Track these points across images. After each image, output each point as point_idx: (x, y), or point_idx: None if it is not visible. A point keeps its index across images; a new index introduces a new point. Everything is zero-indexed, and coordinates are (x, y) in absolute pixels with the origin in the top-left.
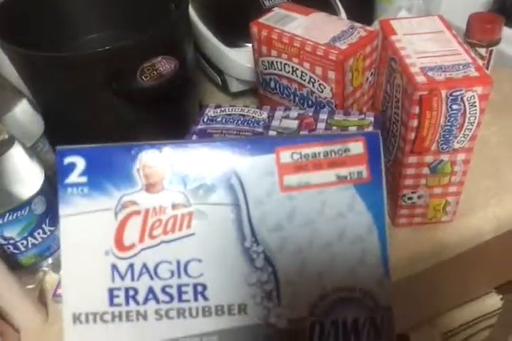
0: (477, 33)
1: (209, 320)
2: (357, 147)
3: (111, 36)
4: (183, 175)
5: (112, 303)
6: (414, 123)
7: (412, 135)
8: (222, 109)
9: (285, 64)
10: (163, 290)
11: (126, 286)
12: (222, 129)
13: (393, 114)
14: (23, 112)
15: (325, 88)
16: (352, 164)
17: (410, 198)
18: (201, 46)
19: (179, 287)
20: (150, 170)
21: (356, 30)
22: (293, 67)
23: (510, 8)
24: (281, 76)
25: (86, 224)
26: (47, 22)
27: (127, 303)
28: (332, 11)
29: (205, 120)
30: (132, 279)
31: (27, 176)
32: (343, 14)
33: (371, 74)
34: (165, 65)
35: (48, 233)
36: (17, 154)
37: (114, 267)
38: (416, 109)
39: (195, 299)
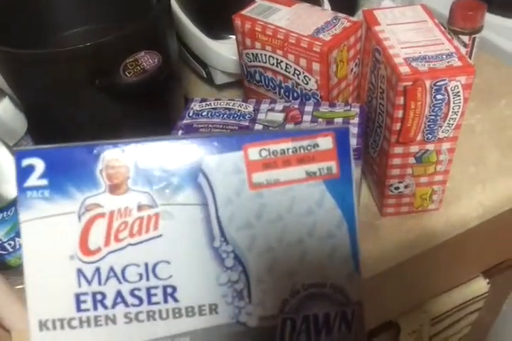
0: (460, 21)
1: (180, 321)
2: (326, 142)
3: (95, 30)
4: (148, 175)
5: (79, 309)
6: (399, 113)
7: (397, 125)
8: (208, 102)
9: (269, 56)
10: (131, 293)
11: (93, 291)
12: (208, 123)
13: (378, 105)
14: (5, 111)
15: (310, 80)
16: (321, 160)
17: (397, 188)
18: (185, 39)
19: (148, 289)
20: (113, 170)
21: (340, 21)
22: (277, 60)
23: None
24: (265, 68)
25: (48, 228)
26: (29, 17)
27: (95, 308)
28: (315, 0)
29: (190, 114)
30: (99, 283)
31: (12, 176)
32: (326, 4)
33: (355, 65)
34: (148, 60)
35: None
36: (0, 153)
37: (79, 272)
38: (400, 100)
39: (165, 301)
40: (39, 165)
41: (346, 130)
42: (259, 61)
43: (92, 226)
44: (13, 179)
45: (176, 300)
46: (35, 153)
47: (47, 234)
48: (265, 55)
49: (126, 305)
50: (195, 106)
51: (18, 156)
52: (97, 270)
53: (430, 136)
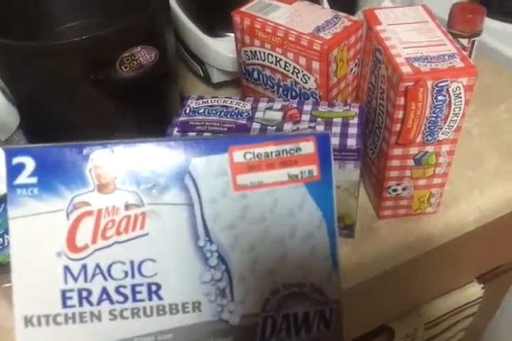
0: (459, 24)
1: (164, 318)
2: (308, 147)
3: (92, 24)
4: (136, 175)
5: (65, 305)
6: (400, 114)
7: (397, 126)
8: (205, 100)
9: (268, 54)
10: (117, 290)
11: (79, 287)
12: (204, 121)
13: (378, 106)
14: None
15: (309, 79)
16: (303, 163)
17: (395, 190)
18: (182, 36)
19: (133, 287)
20: (102, 170)
21: (340, 20)
22: (276, 58)
23: None
24: (264, 66)
25: (37, 225)
26: (26, 10)
27: (81, 305)
28: (315, 0)
29: (187, 111)
30: (85, 280)
31: (2, 172)
32: (325, 3)
33: (355, 64)
34: (145, 55)
35: None
36: None
37: (66, 268)
38: (401, 100)
39: (150, 298)
40: (29, 163)
41: (327, 136)
42: (258, 59)
43: (79, 224)
44: (2, 177)
45: (160, 297)
46: (26, 151)
47: (35, 231)
48: (264, 53)
49: (111, 302)
50: (192, 103)
51: (9, 154)
52: (84, 267)
53: (430, 138)
